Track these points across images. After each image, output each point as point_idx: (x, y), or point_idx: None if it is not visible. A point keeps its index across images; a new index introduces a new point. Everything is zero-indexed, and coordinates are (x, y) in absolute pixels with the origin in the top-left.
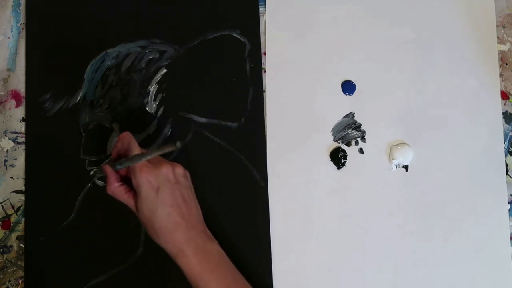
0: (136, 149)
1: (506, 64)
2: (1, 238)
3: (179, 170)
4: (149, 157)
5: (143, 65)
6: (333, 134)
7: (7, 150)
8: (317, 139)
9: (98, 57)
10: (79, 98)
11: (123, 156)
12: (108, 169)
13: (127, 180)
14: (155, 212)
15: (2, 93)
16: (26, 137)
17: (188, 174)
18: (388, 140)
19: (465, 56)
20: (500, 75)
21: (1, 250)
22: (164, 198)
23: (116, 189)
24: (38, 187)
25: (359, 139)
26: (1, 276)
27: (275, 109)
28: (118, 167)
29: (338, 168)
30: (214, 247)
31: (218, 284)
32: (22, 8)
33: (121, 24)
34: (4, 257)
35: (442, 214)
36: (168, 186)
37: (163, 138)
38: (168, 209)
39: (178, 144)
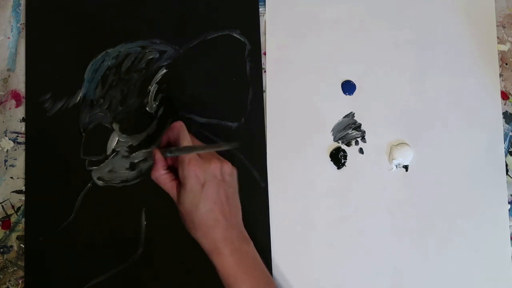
0: (186, 140)
1: (506, 64)
2: (1, 238)
3: (227, 168)
4: (200, 151)
5: (143, 65)
6: (333, 134)
7: (7, 150)
8: (317, 139)
9: (98, 57)
10: (79, 98)
11: (173, 145)
12: (158, 155)
13: (172, 170)
14: (197, 207)
15: (2, 93)
16: (26, 137)
17: (235, 173)
18: (388, 140)
19: (465, 56)
20: (500, 75)
21: (1, 250)
22: (208, 194)
23: (161, 176)
24: (38, 187)
25: (359, 139)
26: (1, 276)
27: (275, 109)
28: (168, 154)
29: (338, 168)
30: (250, 249)
31: (251, 286)
32: (22, 8)
33: (121, 24)
34: (4, 257)
35: (442, 214)
36: (214, 183)
37: None
38: (211, 205)
39: (236, 144)
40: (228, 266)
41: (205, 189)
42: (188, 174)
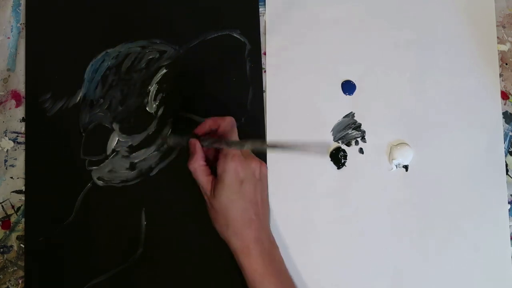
0: (236, 137)
1: (506, 64)
2: (1, 238)
3: (264, 169)
4: (248, 148)
5: (143, 65)
6: (333, 134)
7: (7, 150)
8: (317, 139)
9: (98, 57)
10: (79, 98)
11: (211, 135)
12: (198, 145)
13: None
14: (233, 203)
15: (2, 93)
16: (26, 137)
17: (267, 176)
18: (388, 140)
19: (465, 56)
20: (500, 75)
21: (1, 250)
22: (246, 192)
23: (200, 167)
24: (38, 187)
25: (359, 139)
26: (1, 276)
27: (275, 109)
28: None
29: (338, 168)
30: (277, 253)
31: None
32: (22, 8)
33: (121, 24)
34: (4, 257)
35: (442, 214)
36: (252, 181)
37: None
38: (247, 203)
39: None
40: (257, 267)
41: (243, 187)
42: (229, 169)
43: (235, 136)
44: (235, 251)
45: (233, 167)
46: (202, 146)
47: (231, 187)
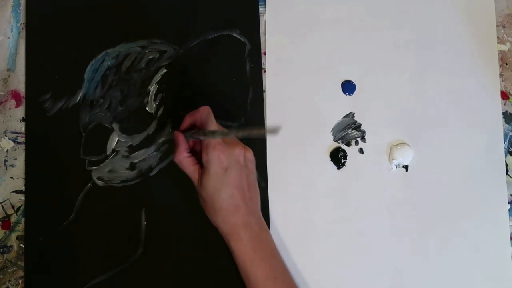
0: (214, 125)
1: (506, 64)
2: (1, 238)
3: (249, 154)
4: (230, 137)
5: (143, 65)
6: (333, 134)
7: (7, 150)
8: (317, 139)
9: (98, 57)
10: (79, 98)
11: (197, 128)
12: (181, 137)
13: (193, 153)
14: (219, 191)
15: (2, 93)
16: (26, 137)
17: (254, 161)
18: (388, 140)
19: (465, 56)
20: (500, 75)
21: (1, 250)
22: (231, 179)
23: (184, 159)
24: (38, 187)
25: (359, 139)
26: (1, 276)
27: (275, 109)
28: (192, 138)
29: (338, 168)
30: (268, 237)
31: (268, 273)
32: (22, 8)
33: (121, 24)
34: (4, 257)
35: (442, 214)
36: (236, 168)
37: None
38: (233, 190)
39: (273, 131)
40: (246, 251)
41: (228, 174)
42: (212, 159)
43: (212, 124)
44: (225, 237)
45: (216, 155)
46: (187, 139)
47: (216, 176)
